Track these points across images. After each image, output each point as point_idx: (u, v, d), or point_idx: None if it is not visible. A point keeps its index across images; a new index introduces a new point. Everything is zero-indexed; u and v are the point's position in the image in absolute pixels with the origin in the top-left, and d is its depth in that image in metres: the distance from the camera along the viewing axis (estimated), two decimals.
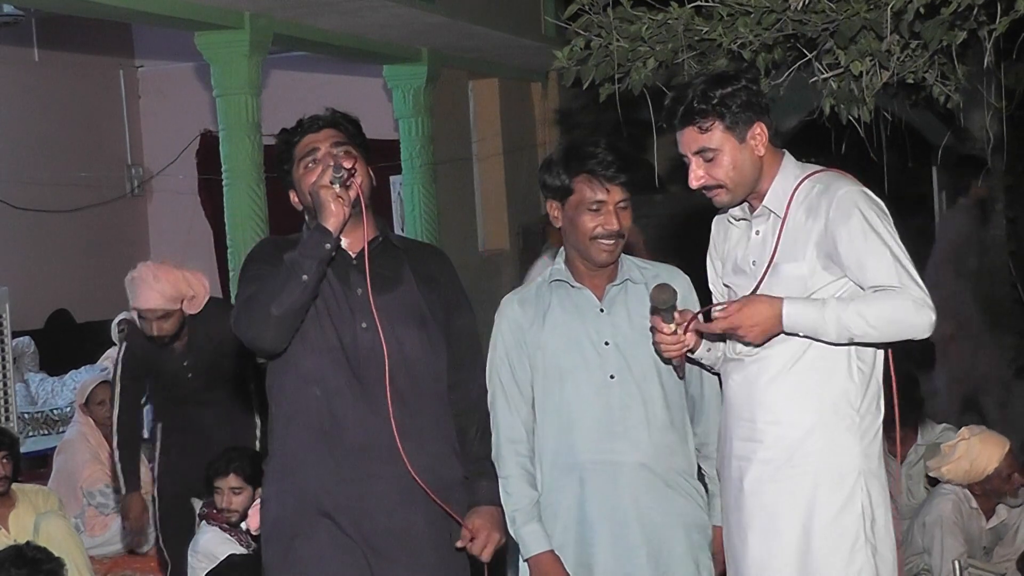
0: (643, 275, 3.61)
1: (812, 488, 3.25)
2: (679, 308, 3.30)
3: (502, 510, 3.56)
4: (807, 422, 3.25)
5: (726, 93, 3.21)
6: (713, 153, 3.22)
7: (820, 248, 3.21)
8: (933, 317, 3.12)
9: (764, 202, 3.28)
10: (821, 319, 3.13)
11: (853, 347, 3.23)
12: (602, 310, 3.57)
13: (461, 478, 3.53)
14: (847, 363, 3.24)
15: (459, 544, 3.47)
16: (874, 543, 3.25)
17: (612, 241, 3.52)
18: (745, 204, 3.36)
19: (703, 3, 4.75)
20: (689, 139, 3.25)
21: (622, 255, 3.64)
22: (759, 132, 3.25)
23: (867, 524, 3.25)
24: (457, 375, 3.55)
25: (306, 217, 3.46)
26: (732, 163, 3.23)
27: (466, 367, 3.57)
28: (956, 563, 5.02)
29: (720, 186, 3.24)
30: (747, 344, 3.26)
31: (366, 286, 3.39)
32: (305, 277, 3.27)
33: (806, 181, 3.25)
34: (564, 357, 3.56)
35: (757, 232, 3.33)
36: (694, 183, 3.26)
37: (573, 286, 3.59)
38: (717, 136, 3.22)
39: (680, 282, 3.58)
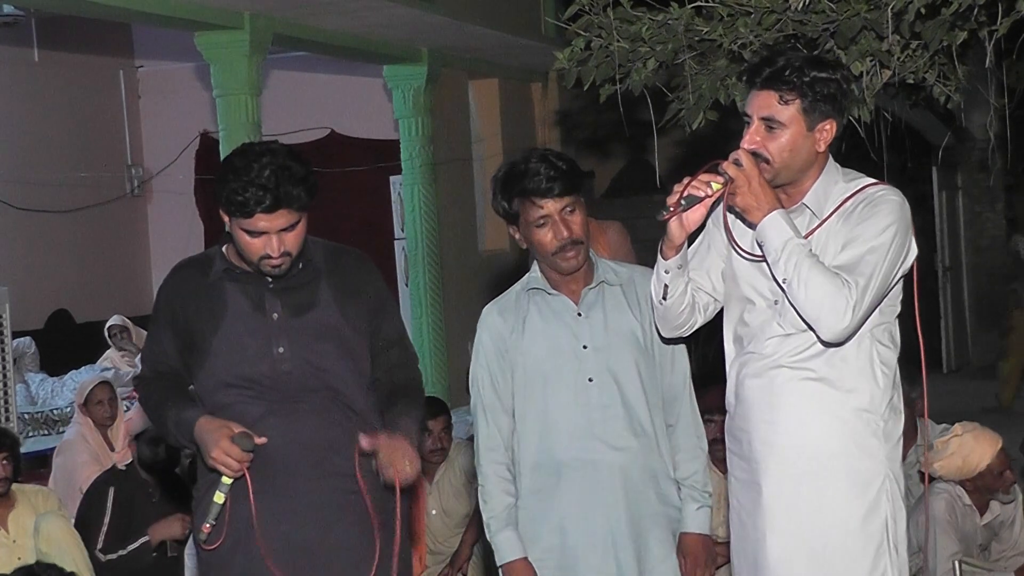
0: (618, 277, 3.64)
1: (837, 493, 3.23)
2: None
3: (413, 443, 3.44)
4: (832, 427, 3.22)
5: (819, 77, 3.16)
6: (779, 127, 3.16)
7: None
8: (843, 330, 3.09)
9: (804, 200, 3.24)
10: (780, 248, 3.11)
11: (876, 352, 3.22)
12: (579, 314, 3.59)
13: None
14: (871, 367, 3.22)
15: (363, 443, 3.36)
16: (896, 546, 3.25)
17: (572, 249, 3.52)
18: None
19: (703, 3, 4.75)
20: (763, 103, 3.18)
21: (597, 259, 3.66)
22: (828, 129, 3.19)
23: (890, 528, 3.24)
24: (384, 375, 3.54)
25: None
26: (791, 145, 3.17)
27: (394, 366, 3.56)
28: (955, 563, 5.02)
29: (767, 161, 3.18)
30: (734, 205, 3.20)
31: (281, 310, 3.40)
32: (175, 440, 3.47)
33: (859, 193, 3.20)
34: (544, 362, 3.57)
35: None
36: (747, 144, 3.17)
37: (550, 293, 3.60)
38: (791, 112, 3.15)
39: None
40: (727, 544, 5.06)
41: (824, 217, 3.21)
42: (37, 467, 7.96)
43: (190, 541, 5.46)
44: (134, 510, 5.85)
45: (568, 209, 3.52)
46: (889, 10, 4.39)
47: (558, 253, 3.53)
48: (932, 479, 5.14)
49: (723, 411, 5.27)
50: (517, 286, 3.67)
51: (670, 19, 4.79)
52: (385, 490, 3.44)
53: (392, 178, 10.78)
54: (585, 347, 3.57)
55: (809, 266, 3.09)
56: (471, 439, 3.76)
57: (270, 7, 8.01)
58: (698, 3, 4.76)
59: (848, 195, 3.21)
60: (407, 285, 10.39)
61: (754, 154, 3.17)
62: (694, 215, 3.22)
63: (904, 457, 5.88)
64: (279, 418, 3.37)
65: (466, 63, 11.00)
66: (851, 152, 5.57)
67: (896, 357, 3.28)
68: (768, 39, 4.62)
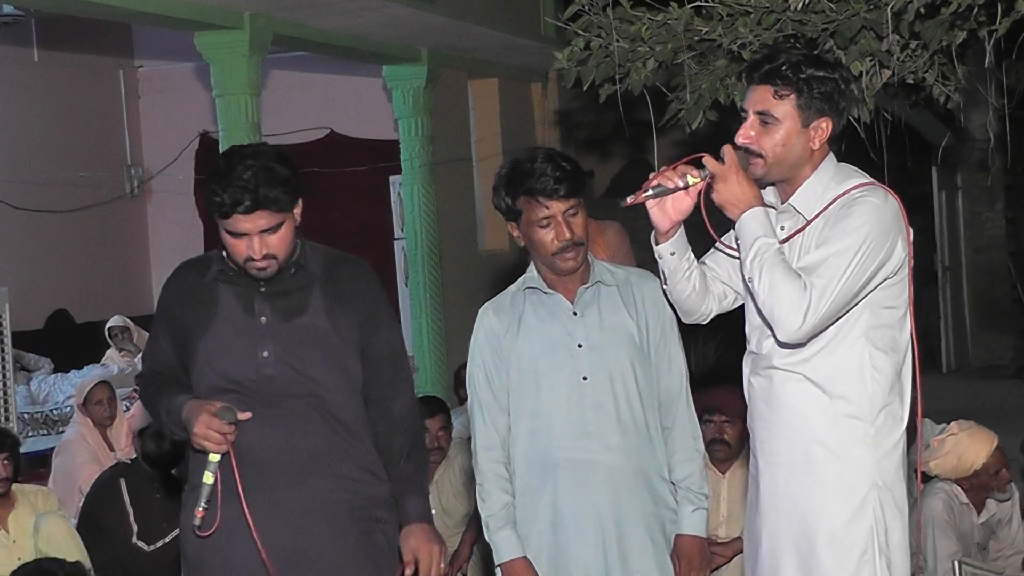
0: (614, 278, 3.64)
1: (821, 497, 3.22)
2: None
3: (432, 525, 3.55)
4: (820, 430, 3.21)
5: (816, 75, 3.16)
6: (773, 122, 3.17)
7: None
8: (796, 331, 3.07)
9: (791, 200, 3.24)
10: (749, 247, 3.12)
11: (868, 356, 3.19)
12: (575, 313, 3.59)
13: (386, 496, 3.51)
14: (859, 373, 3.20)
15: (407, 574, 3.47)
16: (888, 554, 3.21)
17: (572, 250, 3.53)
18: (777, 192, 3.31)
19: (703, 3, 4.75)
20: (759, 97, 3.19)
21: (594, 260, 3.66)
22: (823, 128, 3.20)
23: (879, 536, 3.21)
24: (376, 391, 3.52)
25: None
26: (784, 141, 3.17)
27: (386, 383, 3.53)
28: (955, 564, 5.02)
29: (761, 156, 3.18)
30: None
31: (269, 314, 3.41)
32: (169, 430, 3.48)
33: (844, 195, 3.18)
34: (539, 360, 3.58)
35: (782, 228, 3.29)
36: (740, 139, 3.19)
37: (546, 292, 3.61)
38: (786, 108, 3.16)
39: (652, 285, 3.60)
40: (726, 544, 5.09)
41: (810, 218, 3.21)
42: (37, 467, 7.96)
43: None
44: (145, 501, 5.89)
45: (571, 211, 3.53)
46: (889, 10, 4.39)
47: (558, 254, 3.53)
48: (929, 478, 5.14)
49: (722, 411, 5.28)
50: (513, 286, 3.68)
51: (670, 19, 4.79)
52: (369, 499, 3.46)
53: (392, 178, 10.78)
54: (580, 346, 3.57)
55: (771, 265, 3.08)
56: (471, 439, 3.77)
57: (270, 7, 8.01)
58: (698, 3, 4.76)
59: (835, 196, 3.20)
60: (407, 285, 10.40)
61: (746, 150, 3.18)
62: (681, 204, 3.24)
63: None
64: (260, 422, 3.36)
65: (466, 63, 11.00)
66: (851, 152, 5.58)
67: (896, 362, 3.23)
68: (768, 39, 4.62)
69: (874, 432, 3.21)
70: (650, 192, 3.20)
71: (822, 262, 3.09)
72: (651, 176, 3.22)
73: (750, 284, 3.14)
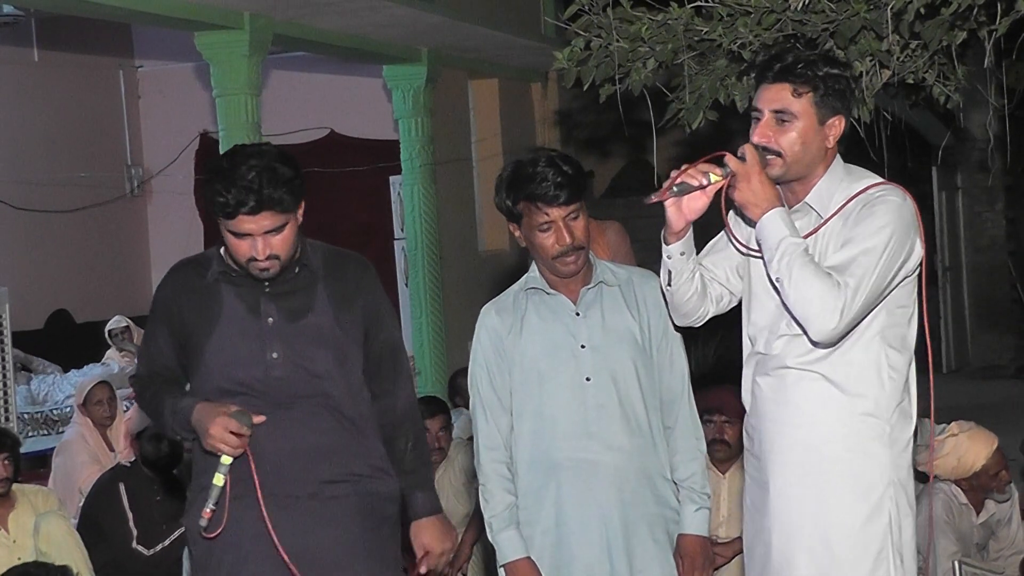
0: (616, 278, 3.64)
1: (838, 496, 3.22)
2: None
3: (442, 516, 3.61)
4: (836, 429, 3.21)
5: (832, 73, 3.16)
6: (791, 119, 3.16)
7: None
8: (831, 331, 3.07)
9: (807, 199, 3.24)
10: (775, 247, 3.11)
11: (884, 355, 3.20)
12: (578, 314, 3.59)
13: (394, 493, 3.52)
14: (877, 371, 3.20)
15: (422, 569, 3.51)
16: (901, 552, 3.22)
17: (572, 255, 3.53)
18: (783, 193, 3.30)
19: (703, 3, 4.75)
20: (775, 95, 3.17)
21: (596, 260, 3.66)
22: (837, 125, 3.20)
23: (894, 534, 3.21)
24: (380, 386, 3.53)
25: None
26: (802, 138, 3.16)
27: (389, 378, 3.55)
28: (955, 564, 5.02)
29: (779, 155, 3.17)
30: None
31: (276, 315, 3.40)
32: (172, 431, 3.47)
33: (861, 194, 3.19)
34: (542, 361, 3.58)
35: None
36: (758, 138, 3.17)
37: (548, 293, 3.61)
38: (803, 105, 3.15)
39: (653, 284, 3.59)
40: (726, 544, 5.09)
41: (826, 218, 3.21)
42: (37, 467, 7.96)
43: (185, 550, 5.47)
44: (145, 505, 5.89)
45: (572, 216, 3.52)
46: (889, 10, 4.39)
47: (558, 258, 3.53)
48: (927, 478, 5.14)
49: (722, 411, 5.28)
50: (515, 286, 3.68)
51: (670, 19, 4.80)
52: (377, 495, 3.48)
53: (392, 178, 10.78)
54: (583, 346, 3.57)
55: (801, 265, 3.07)
56: (471, 439, 3.77)
57: (270, 7, 8.01)
58: (698, 3, 4.76)
59: (851, 196, 3.19)
60: (407, 285, 10.40)
61: (764, 148, 3.17)
62: (696, 203, 3.22)
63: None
64: (269, 424, 3.36)
65: (466, 63, 11.01)
66: (851, 151, 5.58)
67: (908, 360, 3.24)
68: (768, 39, 4.62)
69: (889, 430, 3.22)
70: (675, 190, 3.18)
71: (852, 260, 3.09)
72: (674, 174, 3.20)
73: (778, 284, 3.12)
